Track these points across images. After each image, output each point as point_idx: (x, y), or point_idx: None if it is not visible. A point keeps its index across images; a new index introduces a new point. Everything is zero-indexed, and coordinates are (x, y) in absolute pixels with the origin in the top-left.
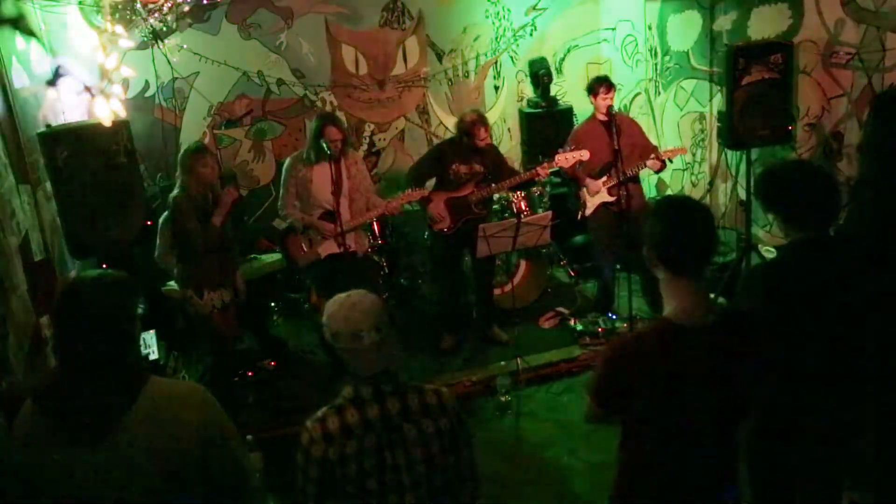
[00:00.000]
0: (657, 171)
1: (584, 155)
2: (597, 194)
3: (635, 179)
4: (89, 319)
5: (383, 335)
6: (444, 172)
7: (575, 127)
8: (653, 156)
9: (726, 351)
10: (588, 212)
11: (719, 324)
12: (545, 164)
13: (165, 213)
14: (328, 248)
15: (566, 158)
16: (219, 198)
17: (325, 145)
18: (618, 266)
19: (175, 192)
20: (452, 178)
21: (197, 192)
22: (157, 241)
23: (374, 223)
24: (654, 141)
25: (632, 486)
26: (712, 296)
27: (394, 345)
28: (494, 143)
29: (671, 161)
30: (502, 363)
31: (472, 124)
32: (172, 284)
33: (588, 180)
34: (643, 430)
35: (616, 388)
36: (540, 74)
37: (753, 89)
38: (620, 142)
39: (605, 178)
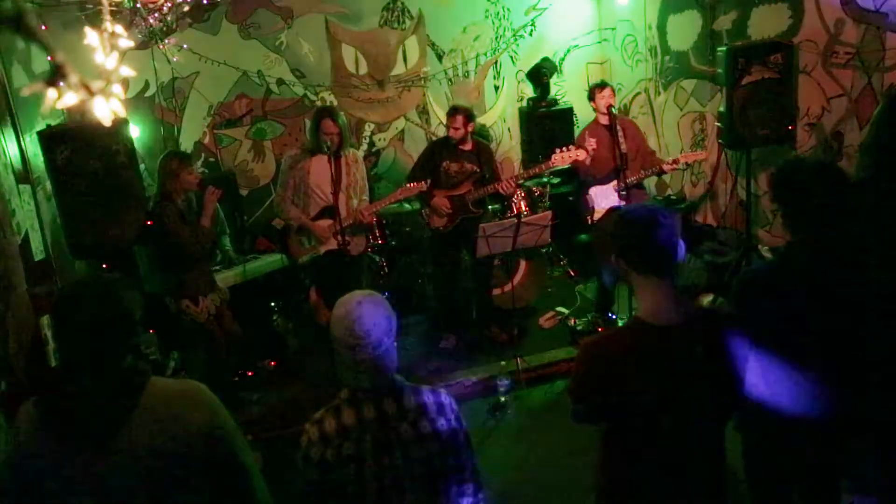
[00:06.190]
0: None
1: (581, 154)
2: (606, 199)
3: (640, 185)
4: (89, 322)
5: (381, 352)
6: (435, 170)
7: (577, 134)
8: (670, 160)
9: (697, 348)
10: (597, 217)
11: (691, 322)
12: (511, 179)
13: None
14: (327, 244)
15: (562, 158)
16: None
17: (321, 139)
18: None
19: (156, 200)
20: (443, 177)
21: (178, 198)
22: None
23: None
24: (653, 142)
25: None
26: (712, 296)
27: (391, 361)
28: (494, 143)
29: (688, 165)
30: (502, 363)
31: (448, 116)
32: None
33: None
34: (623, 438)
35: (591, 385)
36: (541, 73)
37: (753, 89)
38: (626, 145)
39: (614, 183)
